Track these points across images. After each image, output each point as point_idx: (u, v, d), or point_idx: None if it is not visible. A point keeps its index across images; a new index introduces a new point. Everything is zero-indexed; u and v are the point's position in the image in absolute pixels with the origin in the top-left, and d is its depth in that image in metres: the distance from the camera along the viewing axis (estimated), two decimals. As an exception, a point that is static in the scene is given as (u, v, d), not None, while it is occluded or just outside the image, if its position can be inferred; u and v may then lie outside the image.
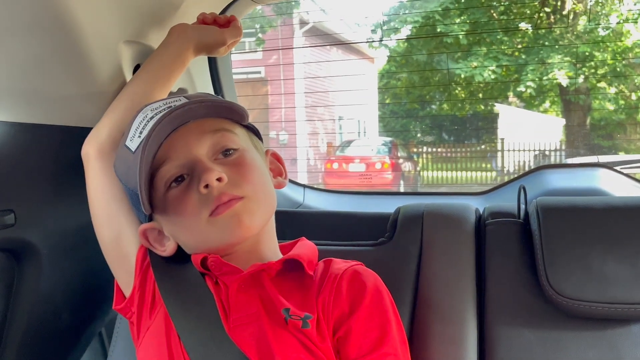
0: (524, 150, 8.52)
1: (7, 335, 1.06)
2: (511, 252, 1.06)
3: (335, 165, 8.80)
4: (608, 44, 8.29)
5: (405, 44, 9.93)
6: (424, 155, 9.82)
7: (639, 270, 0.97)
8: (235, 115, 0.92)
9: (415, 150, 9.99)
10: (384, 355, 0.84)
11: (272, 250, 0.94)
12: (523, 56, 8.80)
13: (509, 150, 8.77)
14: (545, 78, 8.53)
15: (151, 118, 0.87)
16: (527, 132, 9.09)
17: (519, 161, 8.62)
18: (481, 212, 1.15)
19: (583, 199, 1.07)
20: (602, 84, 8.60)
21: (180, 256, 0.92)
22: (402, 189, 8.47)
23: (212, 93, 1.36)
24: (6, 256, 1.05)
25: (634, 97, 8.86)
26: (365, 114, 11.10)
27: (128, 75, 1.09)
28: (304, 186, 1.69)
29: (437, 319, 1.00)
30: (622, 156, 8.20)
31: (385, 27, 9.22)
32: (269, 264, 0.88)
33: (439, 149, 9.93)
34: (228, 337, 0.82)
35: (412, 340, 0.99)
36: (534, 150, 8.51)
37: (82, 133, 1.01)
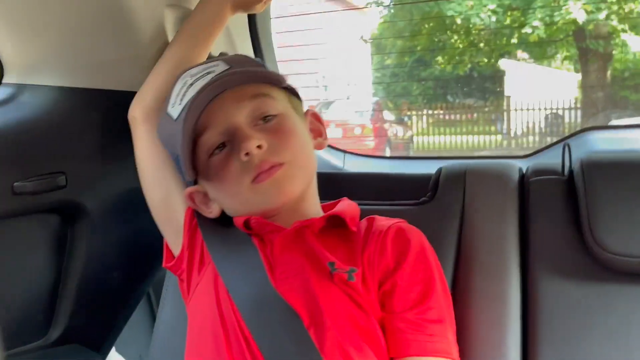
0: (533, 110, 7.40)
1: (62, 294, 1.11)
2: (555, 209, 1.04)
3: (308, 131, 7.77)
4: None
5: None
6: (416, 118, 8.34)
7: (687, 225, 0.95)
8: (272, 80, 0.92)
9: (408, 112, 8.54)
10: (428, 309, 0.84)
11: (314, 209, 0.95)
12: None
13: (516, 110, 7.67)
14: (557, 14, 6.94)
15: (190, 85, 0.88)
16: (537, 89, 7.82)
17: (527, 122, 7.49)
18: (524, 171, 1.14)
19: (629, 155, 1.05)
20: (625, 25, 6.97)
21: (226, 217, 0.94)
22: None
23: (252, 56, 1.36)
24: (58, 217, 1.09)
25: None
26: (354, 72, 9.35)
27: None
28: (344, 152, 1.69)
29: (480, 275, 1.00)
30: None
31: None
32: (312, 220, 0.89)
33: (435, 111, 8.51)
34: (275, 291, 0.83)
35: (455, 297, 0.98)
36: (546, 109, 7.37)
37: (129, 97, 1.03)
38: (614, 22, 7.03)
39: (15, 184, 0.99)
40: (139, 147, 1.02)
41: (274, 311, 0.82)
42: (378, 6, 8.76)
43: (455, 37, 8.01)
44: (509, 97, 8.10)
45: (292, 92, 0.98)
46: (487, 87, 8.66)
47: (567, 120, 7.34)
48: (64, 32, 1.02)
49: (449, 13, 7.43)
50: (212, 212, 0.95)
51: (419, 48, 8.52)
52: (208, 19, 1.06)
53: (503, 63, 8.29)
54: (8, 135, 1.01)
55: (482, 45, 8.00)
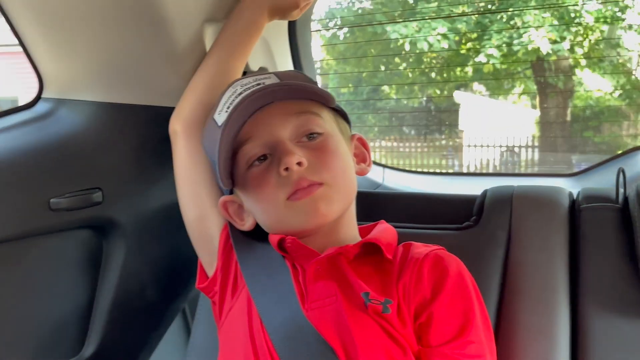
0: (487, 146, 6.92)
1: (96, 310, 1.10)
2: (608, 240, 0.98)
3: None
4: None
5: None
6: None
7: None
8: (320, 98, 0.90)
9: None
10: (467, 343, 0.80)
11: (350, 234, 0.92)
12: (487, 16, 6.32)
13: (469, 146, 7.16)
14: (517, 42, 6.16)
15: (240, 94, 0.87)
16: (492, 124, 7.27)
17: (481, 158, 7.00)
18: (575, 196, 1.08)
19: (690, 183, 0.99)
20: (587, 60, 6.14)
21: (260, 235, 0.92)
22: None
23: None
24: (94, 233, 1.09)
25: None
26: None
27: (210, 55, 1.09)
28: (384, 166, 1.65)
29: (526, 308, 0.95)
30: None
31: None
32: (347, 247, 0.86)
33: (383, 143, 7.91)
34: (308, 322, 0.81)
35: (498, 330, 0.95)
36: (501, 146, 6.88)
37: (167, 113, 1.02)
38: (578, 53, 6.30)
39: (51, 200, 0.99)
40: (178, 161, 1.00)
41: (308, 343, 0.79)
42: (323, 29, 7.67)
43: (405, 64, 7.22)
44: (462, 131, 7.63)
45: (340, 114, 0.96)
46: (442, 120, 8.04)
47: (523, 158, 6.91)
48: (103, 47, 1.02)
49: (394, 36, 6.66)
50: (245, 224, 0.93)
51: (364, 75, 7.68)
52: (244, 27, 1.04)
53: (457, 95, 7.61)
54: (46, 150, 1.01)
55: (434, 75, 7.20)
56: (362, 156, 0.97)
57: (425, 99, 7.71)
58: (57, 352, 1.06)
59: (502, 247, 1.00)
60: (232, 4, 1.06)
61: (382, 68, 7.46)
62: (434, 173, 1.69)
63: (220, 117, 0.88)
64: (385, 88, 7.61)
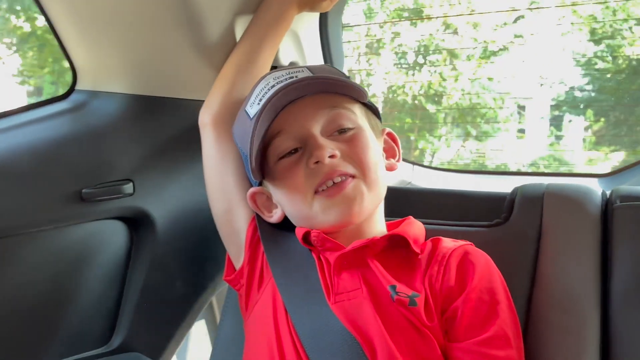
0: None
1: (125, 301, 1.11)
2: None
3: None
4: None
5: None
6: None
7: None
8: (353, 92, 0.89)
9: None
10: (494, 338, 0.79)
11: (378, 229, 0.92)
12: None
13: None
14: None
15: (272, 87, 0.87)
16: None
17: None
18: (608, 195, 1.06)
19: None
20: None
21: (288, 227, 0.92)
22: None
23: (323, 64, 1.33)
24: (124, 224, 1.10)
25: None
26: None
27: (240, 49, 1.09)
28: (413, 163, 1.64)
29: (555, 307, 0.93)
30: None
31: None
32: (373, 239, 0.85)
33: None
34: (334, 315, 0.80)
35: (526, 329, 0.93)
36: None
37: (197, 106, 1.03)
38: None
39: (83, 190, 1.00)
40: (207, 153, 1.01)
41: (333, 336, 0.79)
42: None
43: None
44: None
45: (371, 109, 0.95)
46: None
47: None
48: (136, 40, 1.03)
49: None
50: (273, 217, 0.93)
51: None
52: (272, 19, 1.04)
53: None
54: (78, 141, 1.02)
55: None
56: (391, 151, 0.97)
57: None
58: (87, 341, 1.07)
59: (533, 244, 0.99)
60: (262, -2, 1.06)
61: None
62: (464, 171, 1.67)
63: (252, 109, 0.88)
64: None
